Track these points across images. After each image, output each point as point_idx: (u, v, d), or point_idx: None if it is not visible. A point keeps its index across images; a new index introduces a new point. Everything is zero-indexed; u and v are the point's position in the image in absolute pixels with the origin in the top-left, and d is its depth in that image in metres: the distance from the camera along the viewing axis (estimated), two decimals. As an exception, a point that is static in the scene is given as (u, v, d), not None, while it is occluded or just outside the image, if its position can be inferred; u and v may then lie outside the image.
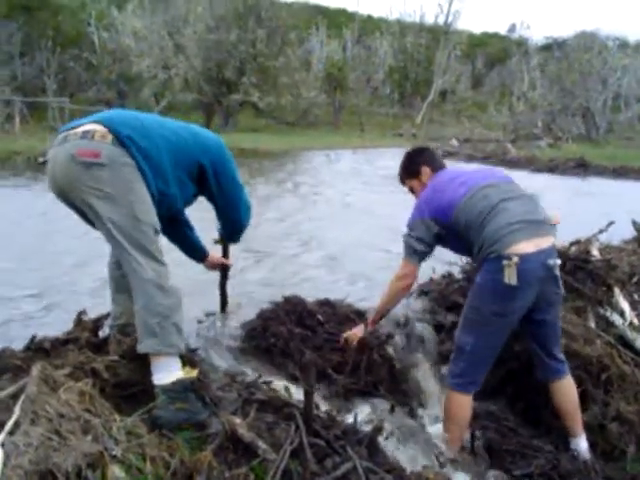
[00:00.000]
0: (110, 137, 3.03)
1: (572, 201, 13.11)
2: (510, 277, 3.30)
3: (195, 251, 4.17)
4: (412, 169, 4.04)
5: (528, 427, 4.05)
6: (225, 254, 4.36)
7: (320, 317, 4.37)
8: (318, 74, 40.38)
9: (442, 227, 3.65)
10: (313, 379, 2.96)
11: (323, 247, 8.19)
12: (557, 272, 3.56)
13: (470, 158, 22.38)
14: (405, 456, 3.36)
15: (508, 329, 3.59)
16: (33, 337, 3.42)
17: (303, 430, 2.92)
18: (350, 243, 8.26)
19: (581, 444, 3.78)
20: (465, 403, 3.61)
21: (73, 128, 3.13)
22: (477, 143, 28.30)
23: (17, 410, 2.49)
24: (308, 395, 2.96)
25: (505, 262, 3.31)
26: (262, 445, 2.84)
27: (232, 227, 3.95)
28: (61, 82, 34.85)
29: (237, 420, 2.90)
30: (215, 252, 4.33)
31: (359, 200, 12.35)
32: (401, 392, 4.13)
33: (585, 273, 4.91)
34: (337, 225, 9.83)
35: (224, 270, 4.42)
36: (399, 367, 4.20)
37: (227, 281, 4.50)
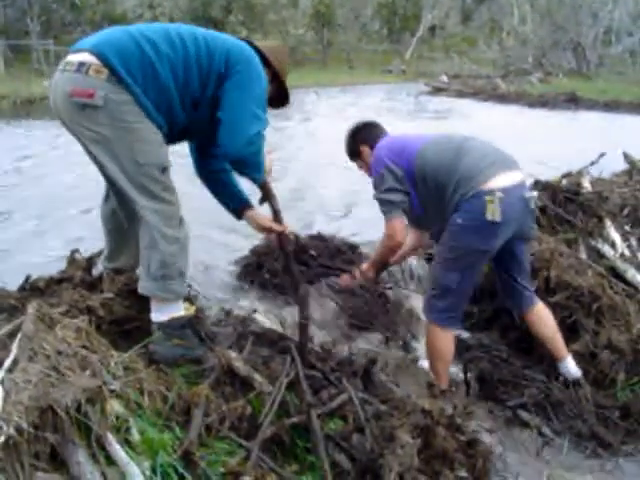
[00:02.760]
0: (105, 72, 2.80)
1: (563, 135, 13.04)
2: (494, 213, 3.27)
3: (231, 197, 3.64)
4: (352, 150, 3.99)
5: (520, 357, 4.09)
6: (276, 215, 3.51)
7: (313, 252, 4.37)
8: (306, 11, 39.75)
9: (404, 175, 3.58)
10: (308, 311, 2.98)
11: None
12: (533, 206, 3.56)
13: (460, 94, 22.24)
14: (399, 387, 3.40)
15: (486, 263, 3.67)
16: (27, 277, 3.41)
17: (299, 362, 2.95)
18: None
19: (568, 365, 3.82)
20: (451, 338, 3.62)
21: (74, 52, 2.91)
22: (467, 79, 28.10)
23: (15, 348, 2.49)
24: (303, 327, 2.99)
25: (487, 197, 3.27)
26: (258, 378, 2.87)
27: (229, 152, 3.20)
28: (44, 24, 34.13)
29: (233, 354, 2.93)
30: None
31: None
32: (395, 325, 4.17)
33: (576, 205, 4.92)
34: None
35: (282, 244, 3.53)
36: (393, 300, 4.23)
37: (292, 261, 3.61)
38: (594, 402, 3.68)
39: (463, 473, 2.72)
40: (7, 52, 27.86)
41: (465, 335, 4.20)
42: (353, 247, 4.59)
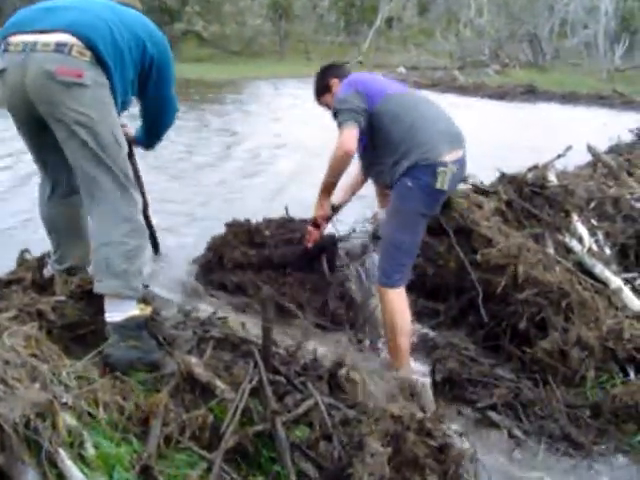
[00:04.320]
0: (88, 54, 2.77)
1: (525, 127, 13.03)
2: (443, 183, 3.55)
3: None
4: (322, 85, 4.06)
5: (488, 356, 4.01)
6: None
7: (267, 232, 4.25)
8: (263, 1, 39.38)
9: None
10: (271, 314, 2.85)
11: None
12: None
13: (418, 85, 22.09)
14: (369, 390, 3.29)
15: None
16: (-27, 278, 3.25)
17: (262, 367, 2.82)
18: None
19: None
20: (405, 297, 3.72)
21: (32, 32, 2.80)
22: (425, 70, 27.98)
23: (-42, 359, 2.34)
24: (266, 331, 2.85)
25: (441, 169, 3.52)
26: (220, 385, 2.75)
27: (157, 130, 3.59)
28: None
29: (193, 359, 2.79)
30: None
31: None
32: (361, 325, 4.06)
33: (543, 199, 4.85)
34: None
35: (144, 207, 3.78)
36: (358, 300, 4.12)
37: (148, 211, 4.02)
38: (564, 401, 3.60)
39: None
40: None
41: (432, 334, 4.10)
42: (302, 220, 4.44)
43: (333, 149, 3.66)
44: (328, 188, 3.89)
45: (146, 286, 3.54)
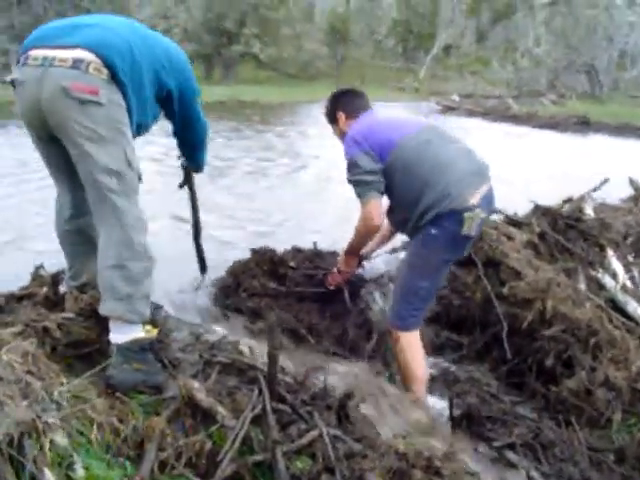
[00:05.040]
0: (106, 72, 2.74)
1: (570, 158, 12.80)
2: (470, 229, 3.36)
3: None
4: (329, 114, 3.91)
5: (511, 393, 3.88)
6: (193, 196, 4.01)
7: (292, 264, 4.19)
8: (321, 26, 39.75)
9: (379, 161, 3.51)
10: (278, 340, 2.78)
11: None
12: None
13: (470, 113, 22.07)
14: (382, 423, 3.19)
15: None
16: (-14, 292, 3.24)
17: (266, 395, 2.74)
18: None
19: None
20: (418, 342, 3.59)
21: (52, 47, 2.79)
22: (479, 98, 27.81)
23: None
24: (272, 358, 2.77)
25: (467, 215, 3.32)
26: (221, 411, 2.67)
27: (191, 149, 3.66)
28: (59, 31, 34.18)
29: (195, 384, 2.72)
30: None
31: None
32: (381, 354, 3.97)
33: (577, 232, 4.73)
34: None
35: (196, 224, 4.09)
36: (378, 330, 4.03)
37: (200, 236, 4.16)
38: (587, 444, 3.45)
39: (439, 521, 2.52)
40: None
41: (453, 368, 3.99)
42: (333, 253, 4.38)
43: (359, 221, 3.57)
44: (355, 250, 3.85)
45: (159, 306, 3.52)
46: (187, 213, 4.05)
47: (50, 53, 2.77)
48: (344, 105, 3.82)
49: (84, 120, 2.73)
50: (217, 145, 11.57)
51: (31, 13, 33.03)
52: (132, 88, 2.87)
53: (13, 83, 2.88)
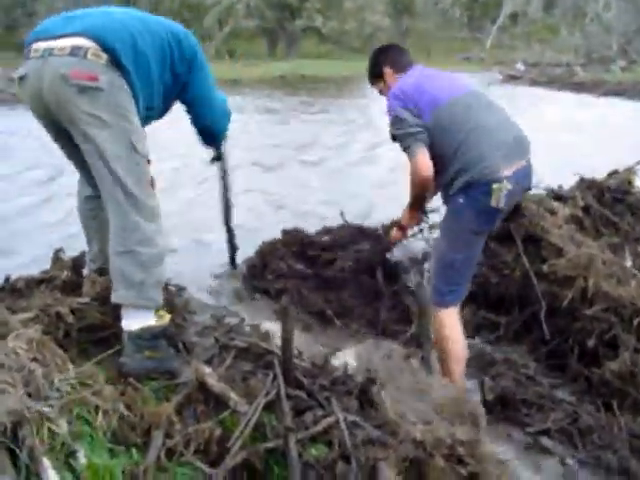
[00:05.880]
0: (105, 57, 2.73)
1: (633, 127, 12.26)
2: (499, 201, 3.26)
3: None
4: (375, 71, 3.80)
5: (550, 376, 3.71)
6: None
7: (325, 238, 4.11)
8: (384, -1, 39.23)
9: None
10: (291, 324, 2.69)
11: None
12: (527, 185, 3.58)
13: (533, 82, 21.60)
14: (407, 409, 3.08)
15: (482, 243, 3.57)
16: (7, 277, 3.24)
17: (281, 380, 2.66)
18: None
19: None
20: (457, 319, 3.48)
21: (52, 38, 2.79)
22: (545, 67, 27.07)
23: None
24: (286, 342, 2.69)
25: (495, 186, 3.23)
26: (234, 397, 2.60)
27: (210, 131, 3.62)
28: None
29: (207, 369, 2.67)
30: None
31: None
32: (414, 335, 3.85)
33: (624, 206, 4.49)
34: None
35: (226, 205, 4.07)
36: (413, 312, 3.91)
37: (231, 218, 4.15)
38: (628, 430, 3.28)
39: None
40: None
41: (490, 349, 3.84)
42: (364, 232, 4.28)
43: (410, 176, 3.45)
44: (415, 204, 3.73)
45: (182, 288, 3.49)
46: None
47: (51, 44, 2.78)
48: (392, 59, 3.73)
49: (85, 106, 2.71)
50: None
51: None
52: (136, 71, 2.84)
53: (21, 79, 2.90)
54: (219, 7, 33.28)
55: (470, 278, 3.53)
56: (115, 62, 2.75)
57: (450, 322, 3.44)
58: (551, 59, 30.39)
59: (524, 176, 3.38)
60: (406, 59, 3.74)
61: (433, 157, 3.38)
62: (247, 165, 8.23)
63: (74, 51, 2.71)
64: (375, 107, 14.10)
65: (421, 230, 4.38)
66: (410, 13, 39.93)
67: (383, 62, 3.74)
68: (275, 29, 34.21)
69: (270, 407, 2.59)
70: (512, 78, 22.79)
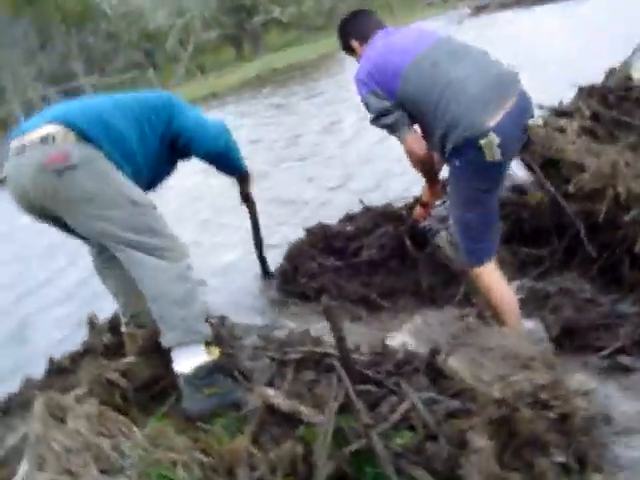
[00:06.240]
0: (72, 135, 2.77)
1: (606, 25, 11.89)
2: (493, 155, 3.01)
3: None
4: (345, 45, 3.67)
5: (608, 292, 3.62)
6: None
7: (349, 227, 4.06)
8: (333, -32, 38.86)
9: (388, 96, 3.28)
10: (340, 322, 2.63)
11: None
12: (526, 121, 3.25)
13: (502, 5, 21.26)
14: (478, 369, 3.01)
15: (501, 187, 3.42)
16: (51, 359, 3.22)
17: (346, 380, 2.60)
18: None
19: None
20: (496, 273, 3.32)
21: (25, 134, 2.84)
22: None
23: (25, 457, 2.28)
24: (339, 341, 2.63)
25: (483, 141, 2.98)
26: (304, 410, 2.56)
27: (213, 157, 3.56)
28: (87, 61, 34.83)
29: (270, 391, 2.63)
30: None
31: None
32: (463, 296, 3.77)
33: (631, 102, 4.36)
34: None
35: (257, 234, 4.13)
36: (453, 268, 3.82)
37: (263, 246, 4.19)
38: None
39: (561, 458, 2.35)
40: (59, 98, 28.59)
41: (541, 284, 3.75)
42: (388, 215, 4.20)
43: (407, 158, 3.42)
44: (430, 179, 3.68)
45: (225, 317, 3.46)
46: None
47: (24, 139, 2.82)
48: (355, 31, 3.59)
49: (67, 189, 2.75)
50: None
51: (55, 53, 33.64)
52: (110, 143, 2.87)
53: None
54: (176, 28, 33.28)
55: (496, 231, 3.38)
56: (85, 137, 2.78)
57: (489, 278, 3.32)
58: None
59: (519, 114, 3.12)
60: (370, 26, 3.56)
61: (420, 125, 3.31)
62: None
63: (43, 140, 2.76)
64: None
65: (444, 202, 4.30)
66: (364, -25, 39.57)
67: (349, 35, 3.61)
68: (237, 33, 34.12)
69: (344, 409, 2.53)
70: (481, 9, 22.47)
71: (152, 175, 3.17)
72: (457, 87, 3.06)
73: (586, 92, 4.49)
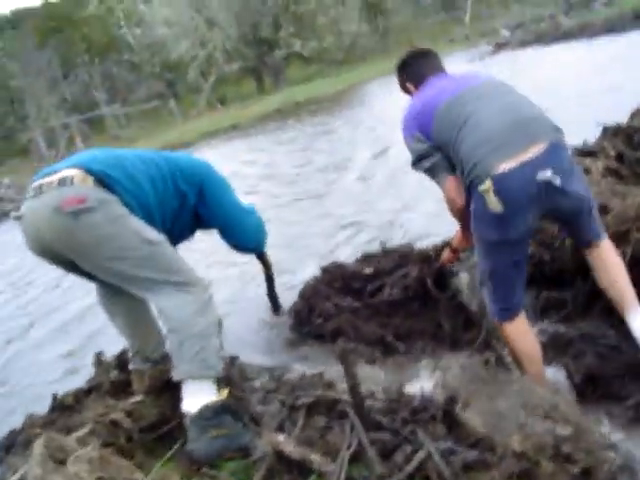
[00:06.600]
0: (90, 179, 2.79)
1: (629, 60, 11.84)
2: (493, 205, 2.75)
3: None
4: (400, 85, 3.61)
5: (632, 339, 3.49)
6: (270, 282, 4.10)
7: (368, 270, 3.95)
8: (354, 5, 39.18)
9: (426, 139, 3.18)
10: (354, 368, 2.53)
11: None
12: (559, 182, 2.78)
13: (522, 43, 21.36)
14: (498, 418, 2.88)
15: (523, 247, 3.03)
16: (54, 396, 3.14)
17: (359, 428, 2.50)
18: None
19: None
20: (519, 330, 3.12)
21: (46, 176, 2.85)
22: (530, 24, 26.83)
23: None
24: (353, 389, 2.54)
25: (480, 188, 2.76)
26: (315, 458, 2.46)
27: (242, 249, 3.76)
28: (110, 90, 35.24)
29: (280, 437, 2.53)
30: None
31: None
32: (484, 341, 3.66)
33: (657, 143, 4.27)
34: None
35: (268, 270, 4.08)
36: (474, 311, 3.71)
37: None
38: None
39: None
40: (82, 127, 28.85)
41: (563, 329, 3.63)
42: (406, 256, 4.11)
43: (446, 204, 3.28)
44: (464, 225, 3.41)
45: (235, 357, 3.38)
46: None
47: (43, 181, 2.84)
48: (411, 72, 3.52)
49: (83, 232, 2.74)
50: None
51: (78, 82, 34.02)
52: (127, 192, 2.88)
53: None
54: (198, 60, 33.57)
55: (519, 285, 3.10)
56: (103, 183, 2.80)
57: (514, 331, 3.13)
58: (533, 16, 30.06)
59: (540, 166, 2.74)
60: (427, 70, 3.46)
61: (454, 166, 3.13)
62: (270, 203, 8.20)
63: (61, 182, 2.77)
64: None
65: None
66: (383, 12, 39.90)
67: (404, 79, 3.56)
68: (258, 65, 34.40)
69: (356, 458, 2.43)
70: (501, 46, 22.56)
71: (166, 232, 3.10)
72: (471, 125, 2.91)
73: (611, 132, 4.41)
